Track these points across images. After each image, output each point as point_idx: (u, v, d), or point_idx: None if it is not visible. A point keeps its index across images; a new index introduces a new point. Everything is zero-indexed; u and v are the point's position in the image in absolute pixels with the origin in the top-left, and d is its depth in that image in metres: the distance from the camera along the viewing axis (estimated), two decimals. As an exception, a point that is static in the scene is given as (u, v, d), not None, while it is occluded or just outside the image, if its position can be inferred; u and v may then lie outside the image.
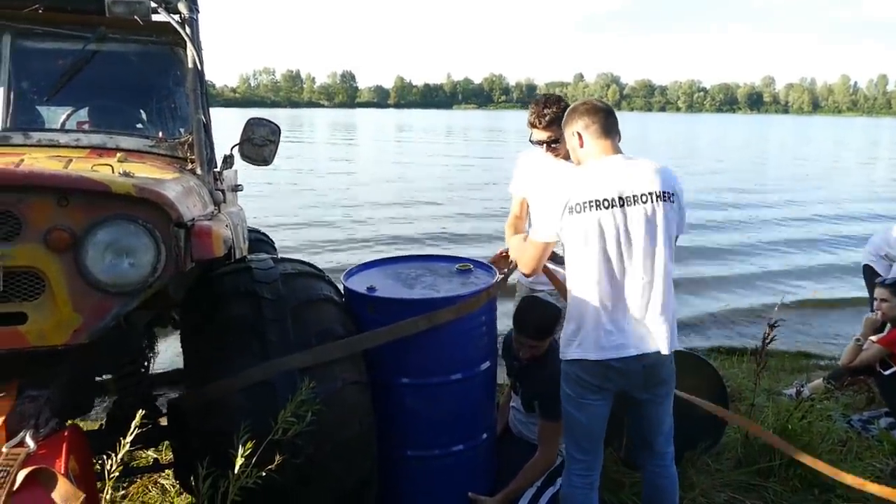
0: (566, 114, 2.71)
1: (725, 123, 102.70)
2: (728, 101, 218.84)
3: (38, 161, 2.49)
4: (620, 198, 2.44)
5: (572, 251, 2.54)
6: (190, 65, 3.00)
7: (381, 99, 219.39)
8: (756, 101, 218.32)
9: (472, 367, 2.92)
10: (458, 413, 2.93)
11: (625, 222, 2.44)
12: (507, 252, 3.04)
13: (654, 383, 2.57)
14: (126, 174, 2.14)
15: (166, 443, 3.17)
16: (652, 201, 2.45)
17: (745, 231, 13.45)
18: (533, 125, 3.45)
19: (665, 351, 2.51)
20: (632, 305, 2.48)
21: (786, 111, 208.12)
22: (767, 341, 3.66)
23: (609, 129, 2.59)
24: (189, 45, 2.97)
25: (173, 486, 3.32)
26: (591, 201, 2.44)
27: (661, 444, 2.72)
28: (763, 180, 22.86)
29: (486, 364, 2.99)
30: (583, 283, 2.51)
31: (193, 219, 2.19)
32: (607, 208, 2.43)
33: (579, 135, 2.61)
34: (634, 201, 2.44)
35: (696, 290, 8.81)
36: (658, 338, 2.50)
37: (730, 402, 3.80)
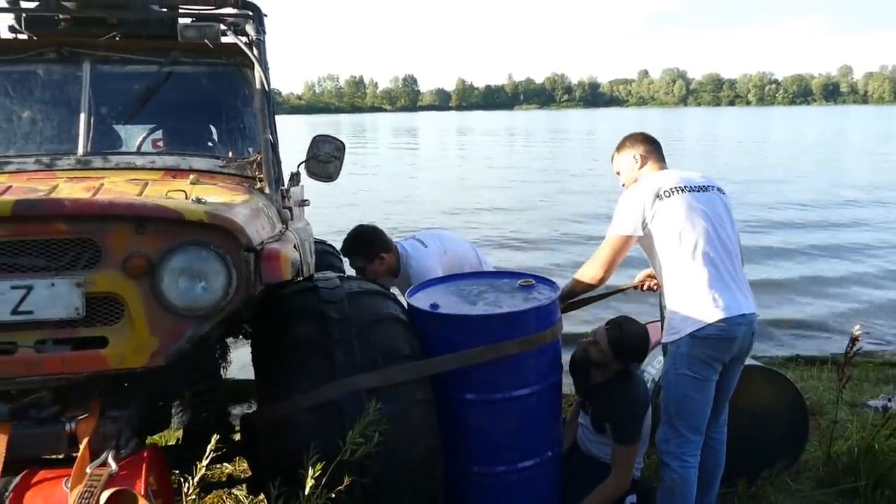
0: (626, 139, 3.19)
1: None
2: (801, 92, 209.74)
3: (117, 185, 2.60)
4: (694, 186, 2.90)
5: (668, 232, 2.83)
6: (257, 85, 3.09)
7: (442, 102, 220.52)
8: (832, 92, 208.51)
9: (538, 382, 2.88)
10: (523, 429, 2.89)
11: (704, 200, 2.86)
12: None
13: (751, 344, 2.89)
14: (198, 200, 2.20)
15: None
16: (714, 191, 2.95)
17: (826, 230, 12.82)
18: None
19: (758, 313, 2.87)
20: (728, 272, 2.79)
21: (864, 101, 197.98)
22: (850, 355, 3.48)
23: (662, 155, 3.14)
24: (256, 65, 3.05)
25: (247, 497, 3.40)
26: (676, 187, 2.87)
27: (725, 406, 3.05)
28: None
29: (552, 379, 2.95)
30: (684, 260, 2.79)
31: (263, 242, 2.24)
32: (691, 191, 2.86)
33: (642, 157, 3.09)
34: (704, 189, 2.92)
35: (774, 293, 8.42)
36: (751, 301, 2.85)
37: (809, 415, 3.64)
